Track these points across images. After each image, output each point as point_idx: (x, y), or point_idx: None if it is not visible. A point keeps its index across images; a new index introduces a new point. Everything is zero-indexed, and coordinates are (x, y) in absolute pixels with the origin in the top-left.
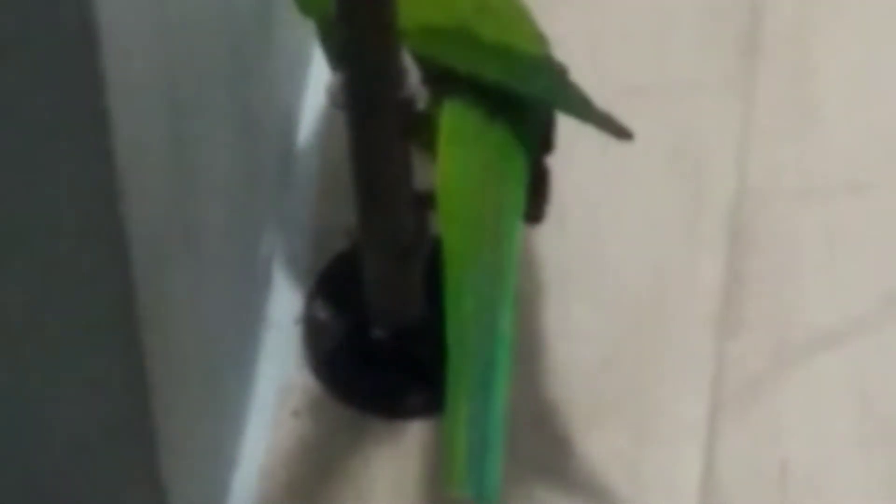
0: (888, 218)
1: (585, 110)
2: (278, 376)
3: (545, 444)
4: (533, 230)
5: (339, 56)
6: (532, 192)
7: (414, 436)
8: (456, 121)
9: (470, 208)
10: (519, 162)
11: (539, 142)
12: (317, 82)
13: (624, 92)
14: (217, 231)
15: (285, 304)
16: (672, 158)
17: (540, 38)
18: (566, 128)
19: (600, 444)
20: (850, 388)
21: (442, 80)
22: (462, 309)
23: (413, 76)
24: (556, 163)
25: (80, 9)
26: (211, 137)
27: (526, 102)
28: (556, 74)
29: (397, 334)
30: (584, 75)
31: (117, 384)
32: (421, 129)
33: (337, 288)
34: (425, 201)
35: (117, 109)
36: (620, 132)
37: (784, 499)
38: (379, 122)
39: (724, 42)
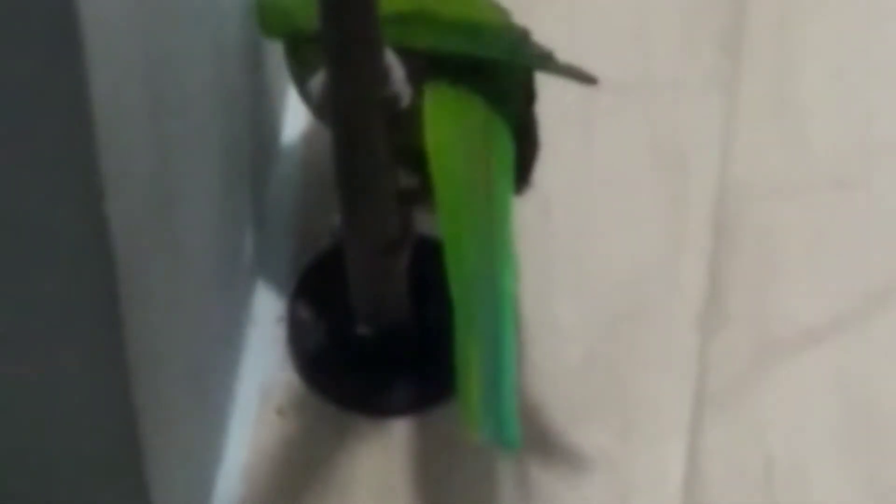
0: (871, 215)
1: (549, 63)
2: (262, 374)
3: (528, 441)
4: (515, 226)
5: (322, 55)
6: (521, 145)
7: (398, 434)
8: (437, 97)
9: (461, 172)
10: (504, 126)
11: (520, 96)
12: None
13: (606, 89)
14: (200, 229)
15: (268, 302)
16: (655, 155)
17: (499, 10)
18: (549, 126)
19: (584, 442)
20: (833, 386)
21: (423, 70)
22: (463, 267)
23: (397, 73)
24: (540, 160)
25: (63, 4)
26: (193, 136)
27: (501, 68)
28: (517, 36)
29: (381, 332)
30: None
31: (100, 383)
32: (403, 128)
33: (320, 286)
34: (409, 198)
35: (100, 111)
36: (586, 78)
37: (768, 496)
38: (363, 120)
39: (707, 39)
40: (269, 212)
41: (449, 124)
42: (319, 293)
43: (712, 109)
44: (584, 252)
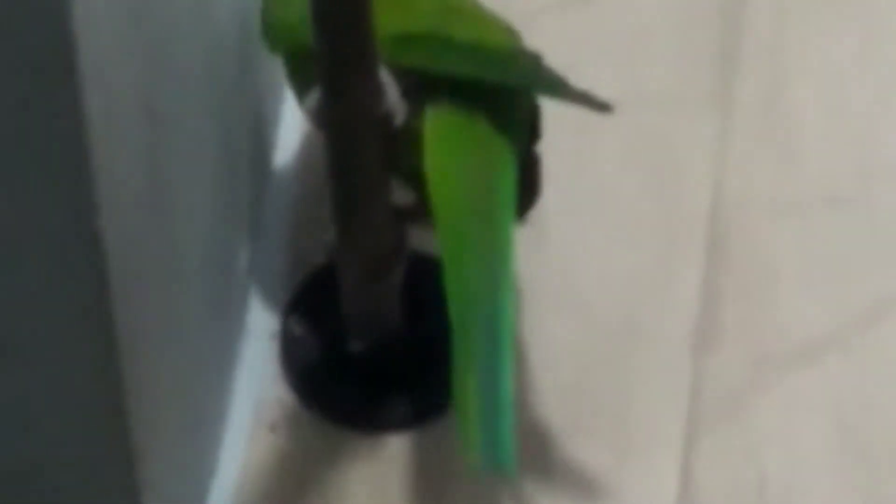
0: (865, 232)
1: (563, 90)
2: (255, 390)
3: (523, 458)
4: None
5: (317, 73)
6: (524, 182)
7: (391, 449)
8: (439, 121)
9: (461, 196)
10: (507, 152)
11: (526, 132)
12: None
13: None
14: (194, 244)
15: (262, 318)
16: (649, 172)
17: (509, 32)
18: (543, 142)
19: (578, 459)
20: (827, 403)
21: (420, 88)
22: (463, 291)
23: (391, 91)
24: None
25: (57, 21)
26: (188, 151)
27: (506, 96)
28: (530, 61)
29: (375, 348)
30: None
31: (94, 398)
32: (399, 146)
33: (314, 302)
34: (404, 215)
35: (94, 125)
36: (600, 107)
37: None
38: (358, 138)
39: (701, 56)
40: (263, 227)
41: (449, 147)
42: (313, 309)
43: (706, 126)
44: (578, 268)
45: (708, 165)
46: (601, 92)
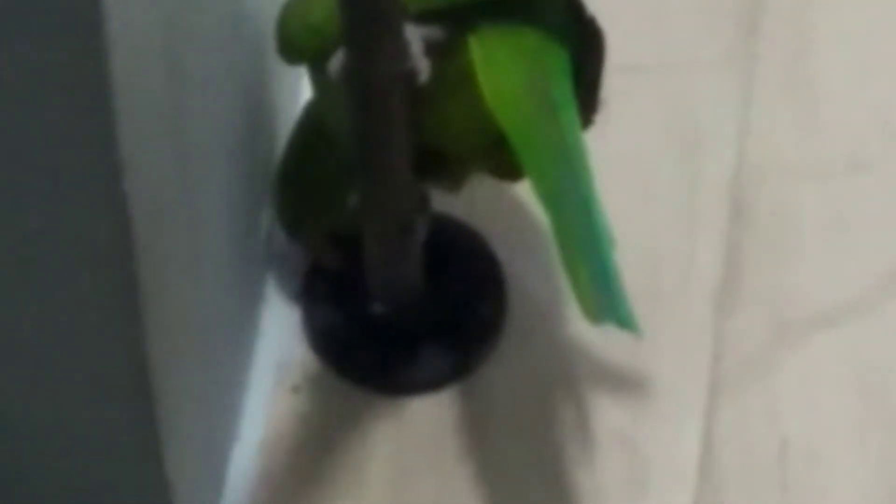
0: (888, 197)
1: None
2: (277, 352)
3: (544, 422)
4: (530, 209)
5: (341, 30)
6: (584, 52)
7: (413, 411)
8: (484, 44)
9: (525, 110)
10: (557, 51)
11: (569, 13)
12: None
13: (622, 70)
14: (216, 207)
15: (284, 279)
16: (671, 136)
17: None
18: None
19: (599, 422)
20: (848, 368)
21: (453, 30)
22: (547, 182)
23: (416, 48)
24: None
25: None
26: (211, 115)
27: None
28: None
29: (397, 309)
30: None
31: (117, 361)
32: (422, 104)
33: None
34: (428, 173)
35: (120, 88)
36: None
37: (783, 477)
38: (381, 95)
39: (723, 20)
40: None
41: (501, 67)
42: (335, 271)
43: (729, 90)
44: None
45: (730, 129)
46: (622, 56)
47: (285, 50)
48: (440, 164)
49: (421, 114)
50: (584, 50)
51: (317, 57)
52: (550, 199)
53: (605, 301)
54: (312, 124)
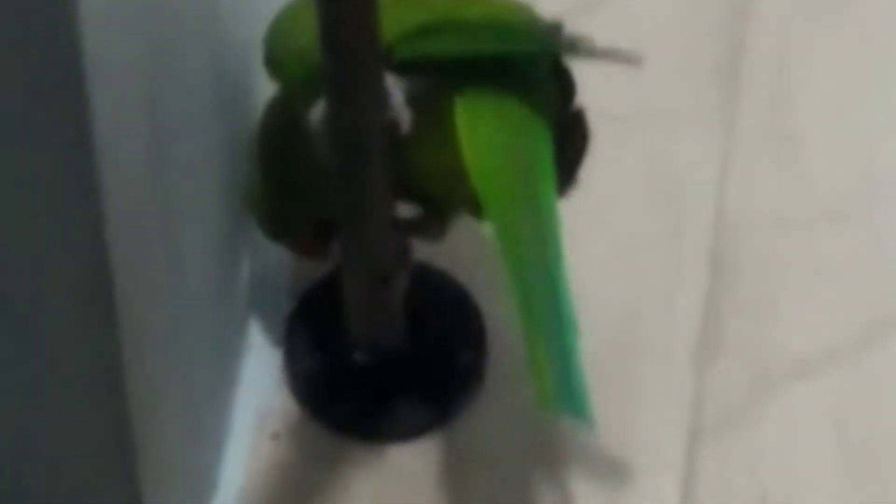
0: (867, 247)
1: (587, 49)
2: (258, 399)
3: (523, 472)
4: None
5: (322, 80)
6: (568, 137)
7: (394, 460)
8: (468, 107)
9: (504, 178)
10: (539, 124)
11: (555, 95)
12: None
13: (603, 120)
14: (198, 255)
15: (266, 327)
16: (651, 187)
17: (524, 7)
18: None
19: (579, 473)
20: (828, 419)
21: (438, 84)
22: (517, 255)
23: (396, 99)
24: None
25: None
26: (193, 161)
27: (529, 67)
28: (547, 27)
29: (378, 358)
30: None
31: (98, 407)
32: (403, 155)
33: (318, 311)
34: (409, 227)
35: (101, 127)
36: (628, 59)
37: None
38: (362, 146)
39: (704, 71)
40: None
41: (483, 131)
42: (316, 319)
43: (709, 141)
44: (580, 283)
45: (711, 180)
46: (603, 106)
47: (270, 68)
48: (421, 217)
49: (402, 162)
50: (568, 133)
51: (300, 81)
52: (517, 275)
53: (562, 389)
54: (283, 123)
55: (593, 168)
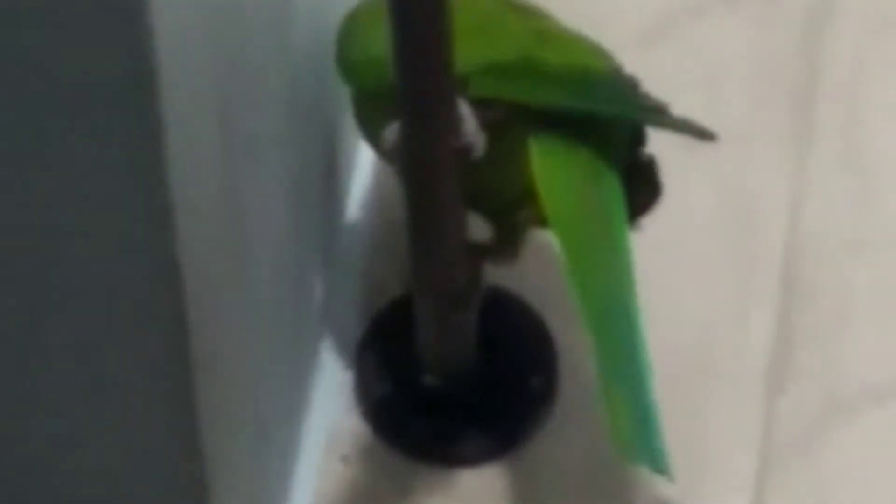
0: None
1: (662, 117)
2: (328, 421)
3: (592, 498)
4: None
5: (395, 107)
6: (639, 185)
7: (463, 484)
8: (545, 149)
9: (576, 213)
10: (610, 168)
11: (626, 142)
12: None
13: (676, 145)
14: (269, 276)
15: (336, 349)
16: (724, 211)
17: (604, 54)
18: None
19: (648, 499)
20: None
21: (513, 118)
22: (595, 304)
23: (470, 124)
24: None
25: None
26: (264, 182)
27: (605, 120)
28: (627, 87)
29: (448, 381)
30: None
31: (169, 430)
32: (479, 177)
33: (389, 334)
34: (481, 251)
35: (173, 153)
36: (702, 134)
37: None
38: (435, 171)
39: (778, 95)
40: (338, 257)
41: (558, 172)
42: (387, 341)
43: (783, 165)
44: (653, 306)
45: (784, 204)
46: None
47: (341, 69)
48: (495, 241)
49: (476, 182)
50: (639, 181)
51: (373, 87)
52: (596, 322)
53: (641, 443)
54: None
55: (667, 192)
